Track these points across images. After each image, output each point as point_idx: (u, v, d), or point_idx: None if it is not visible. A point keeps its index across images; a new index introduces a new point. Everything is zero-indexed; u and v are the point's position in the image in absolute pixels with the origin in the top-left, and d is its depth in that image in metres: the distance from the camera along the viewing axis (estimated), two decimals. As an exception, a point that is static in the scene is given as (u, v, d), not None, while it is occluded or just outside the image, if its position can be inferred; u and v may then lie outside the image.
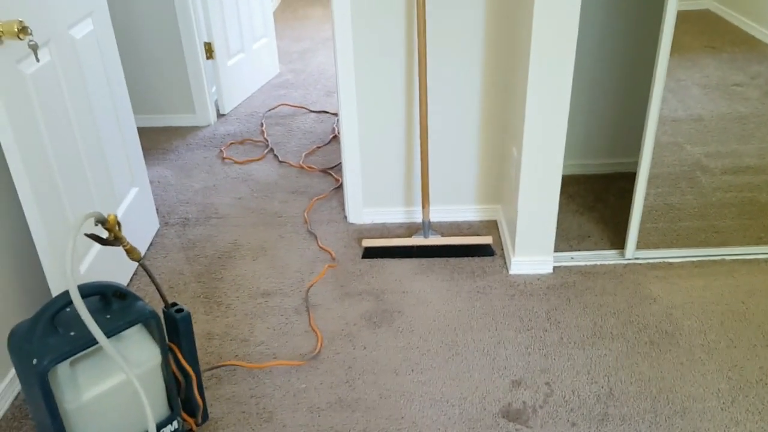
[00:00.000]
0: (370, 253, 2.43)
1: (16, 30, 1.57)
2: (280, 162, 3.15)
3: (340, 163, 3.08)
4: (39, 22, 1.77)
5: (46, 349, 1.33)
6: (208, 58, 3.47)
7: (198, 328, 2.13)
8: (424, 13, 2.14)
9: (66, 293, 1.35)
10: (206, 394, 1.87)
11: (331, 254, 2.45)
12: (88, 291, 1.37)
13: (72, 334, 1.37)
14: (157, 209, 2.75)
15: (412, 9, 2.25)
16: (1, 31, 1.57)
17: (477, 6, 2.24)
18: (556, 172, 2.14)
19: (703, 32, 2.07)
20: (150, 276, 1.49)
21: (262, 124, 3.53)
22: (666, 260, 2.32)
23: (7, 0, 1.62)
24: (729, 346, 1.96)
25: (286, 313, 2.18)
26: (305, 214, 2.71)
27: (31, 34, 1.61)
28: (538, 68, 1.98)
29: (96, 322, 1.29)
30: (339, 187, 2.89)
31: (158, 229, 2.64)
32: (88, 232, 1.36)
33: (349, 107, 2.41)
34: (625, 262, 2.33)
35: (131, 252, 1.43)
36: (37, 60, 1.66)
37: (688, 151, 2.24)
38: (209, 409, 1.82)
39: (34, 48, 1.64)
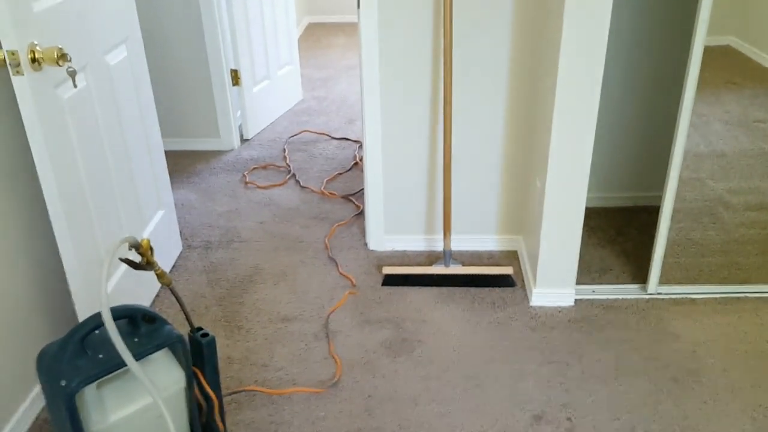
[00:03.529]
0: (391, 280, 2.44)
1: (56, 56, 1.62)
2: (302, 187, 3.18)
3: (361, 189, 3.11)
4: (77, 48, 1.82)
5: (75, 370, 1.34)
6: (234, 84, 3.53)
7: (218, 352, 2.14)
8: (450, 43, 2.17)
9: (96, 316, 1.37)
10: (226, 419, 1.87)
11: (351, 281, 2.46)
12: (117, 314, 1.39)
13: (100, 356, 1.38)
14: (180, 232, 2.79)
15: (439, 39, 2.29)
16: (42, 57, 1.62)
17: (503, 37, 2.27)
18: (579, 204, 2.14)
19: (724, 68, 2.08)
20: (178, 300, 1.51)
21: (284, 150, 3.57)
22: (689, 296, 2.31)
23: (47, 27, 1.67)
24: (753, 386, 1.93)
25: (306, 339, 2.18)
26: (326, 240, 2.72)
27: (69, 60, 1.65)
28: (564, 101, 2.00)
29: (125, 345, 1.31)
30: (360, 214, 2.91)
31: (181, 252, 2.67)
32: (122, 257, 1.39)
33: (373, 135, 2.44)
34: (648, 297, 2.31)
35: (162, 277, 1.45)
36: (75, 86, 1.70)
37: (711, 187, 2.24)
38: (229, 435, 1.82)
39: (73, 74, 1.68)
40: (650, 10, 2.53)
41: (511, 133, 2.42)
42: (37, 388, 1.92)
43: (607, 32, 1.90)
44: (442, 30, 2.26)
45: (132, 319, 1.46)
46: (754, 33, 2.05)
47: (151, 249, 1.38)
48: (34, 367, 1.90)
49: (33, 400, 1.89)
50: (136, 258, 1.42)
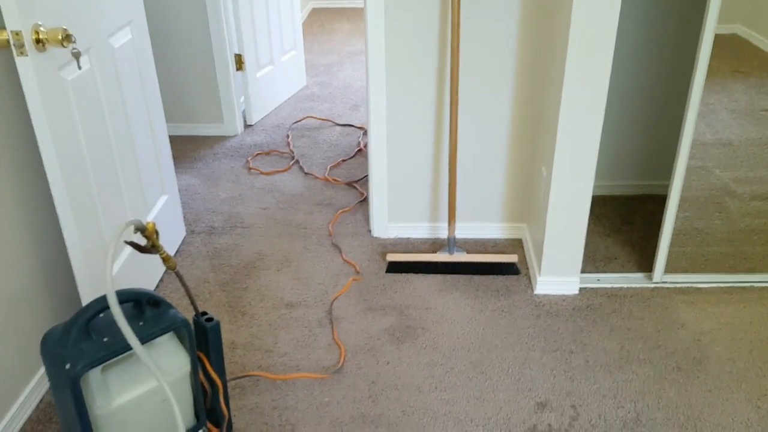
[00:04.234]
0: (395, 267, 2.43)
1: (60, 38, 1.60)
2: (306, 174, 3.16)
3: (365, 176, 3.09)
4: (81, 30, 1.81)
5: (79, 354, 1.34)
6: (237, 69, 3.51)
7: (222, 337, 2.13)
8: (458, 28, 2.15)
9: (101, 299, 1.37)
10: (230, 404, 1.87)
11: (355, 267, 2.46)
12: (122, 298, 1.38)
13: (105, 339, 1.38)
14: (183, 217, 2.78)
15: (446, 25, 2.27)
16: (46, 38, 1.60)
17: (511, 23, 2.25)
18: (585, 192, 2.13)
19: (732, 56, 2.07)
20: (183, 284, 1.50)
21: (288, 136, 3.56)
22: (694, 285, 2.30)
23: (51, 8, 1.65)
24: (758, 375, 1.93)
25: (310, 325, 2.18)
26: (330, 227, 2.71)
27: (74, 42, 1.64)
28: (572, 88, 1.98)
29: (130, 328, 1.30)
30: (364, 201, 2.90)
31: (185, 237, 2.66)
32: (127, 240, 1.38)
33: (378, 121, 2.42)
34: (653, 285, 2.31)
35: (167, 260, 1.44)
36: (79, 67, 1.69)
37: (717, 176, 2.22)
38: (232, 420, 1.82)
39: (77, 55, 1.67)
40: (659, -3, 2.51)
41: (518, 120, 2.41)
42: (41, 371, 1.92)
43: (616, 20, 1.88)
44: (449, 15, 2.24)
45: (137, 302, 1.46)
46: (762, 21, 2.03)
47: (157, 232, 1.37)
48: (39, 350, 1.90)
49: (37, 383, 1.89)
50: (142, 241, 1.41)
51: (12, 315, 1.78)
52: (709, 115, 2.12)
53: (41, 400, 1.90)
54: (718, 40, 1.95)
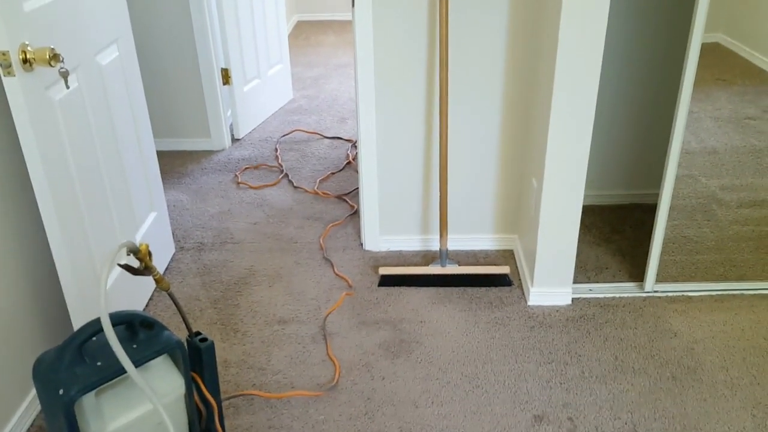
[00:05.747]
0: (387, 281, 2.42)
1: (47, 57, 1.58)
2: (295, 187, 3.15)
3: (355, 189, 3.09)
4: (68, 48, 1.79)
5: (73, 378, 1.32)
6: (224, 83, 3.50)
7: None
8: (446, 41, 2.15)
9: (93, 322, 1.35)
10: (225, 424, 1.84)
11: (347, 282, 2.44)
12: (115, 320, 1.36)
13: (99, 363, 1.36)
14: (172, 233, 2.75)
15: (435, 37, 2.27)
16: (33, 58, 1.58)
17: (499, 35, 2.26)
18: (576, 203, 2.14)
19: (714, 65, 2.09)
20: (177, 305, 1.49)
21: (276, 150, 3.54)
22: (685, 294, 2.31)
23: (39, 27, 1.64)
24: (752, 383, 1.94)
25: (303, 341, 2.16)
26: (321, 241, 2.70)
27: (62, 61, 1.62)
28: (561, 100, 1.99)
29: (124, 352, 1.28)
30: (354, 214, 2.89)
31: (174, 254, 2.64)
32: (120, 262, 1.36)
33: (368, 134, 2.42)
34: (645, 294, 2.31)
35: (161, 282, 1.42)
36: (67, 87, 1.67)
37: (703, 184, 2.24)
38: (228, 440, 1.80)
39: (65, 75, 1.65)
40: (644, 9, 2.53)
41: (508, 131, 2.42)
42: (32, 394, 1.88)
43: (604, 30, 1.89)
44: (437, 27, 2.25)
45: (130, 325, 1.43)
46: (743, 30, 2.06)
47: (150, 254, 1.35)
48: (29, 374, 1.87)
49: (28, 407, 1.85)
50: (134, 263, 1.39)
51: (2, 337, 1.74)
52: (693, 124, 2.14)
53: (32, 424, 1.86)
54: (701, 48, 1.97)
